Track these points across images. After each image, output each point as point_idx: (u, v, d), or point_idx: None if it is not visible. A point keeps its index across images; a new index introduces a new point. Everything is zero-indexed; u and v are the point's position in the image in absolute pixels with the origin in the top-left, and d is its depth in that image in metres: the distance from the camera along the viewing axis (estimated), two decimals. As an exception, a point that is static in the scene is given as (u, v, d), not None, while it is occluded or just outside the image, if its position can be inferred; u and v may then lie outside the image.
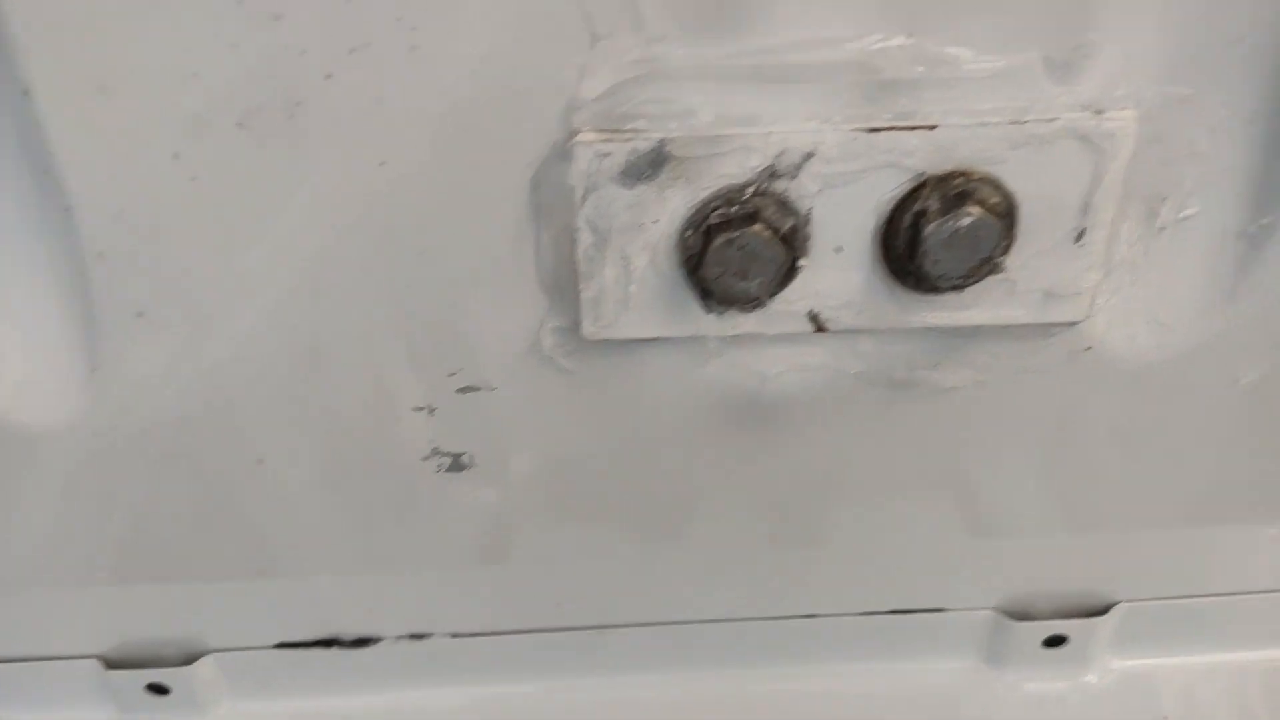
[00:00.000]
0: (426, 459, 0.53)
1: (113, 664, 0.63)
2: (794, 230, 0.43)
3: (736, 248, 0.42)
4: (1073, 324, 0.48)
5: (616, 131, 0.41)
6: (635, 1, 0.39)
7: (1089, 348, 0.49)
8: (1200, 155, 0.45)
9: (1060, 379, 0.50)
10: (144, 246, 0.44)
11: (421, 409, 0.51)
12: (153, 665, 0.63)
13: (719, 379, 0.50)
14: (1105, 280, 0.47)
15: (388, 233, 0.44)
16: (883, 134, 0.41)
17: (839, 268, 0.45)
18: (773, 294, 0.44)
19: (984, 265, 0.43)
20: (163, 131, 0.41)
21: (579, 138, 0.41)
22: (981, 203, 0.42)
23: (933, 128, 0.41)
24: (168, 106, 0.40)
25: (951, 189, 0.42)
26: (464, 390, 0.50)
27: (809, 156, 0.42)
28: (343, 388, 0.50)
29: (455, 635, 0.63)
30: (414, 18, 0.39)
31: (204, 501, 0.54)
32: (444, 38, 0.39)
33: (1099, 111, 0.41)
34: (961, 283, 0.44)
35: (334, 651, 0.63)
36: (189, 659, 0.62)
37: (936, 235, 0.42)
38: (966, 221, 0.42)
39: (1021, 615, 0.64)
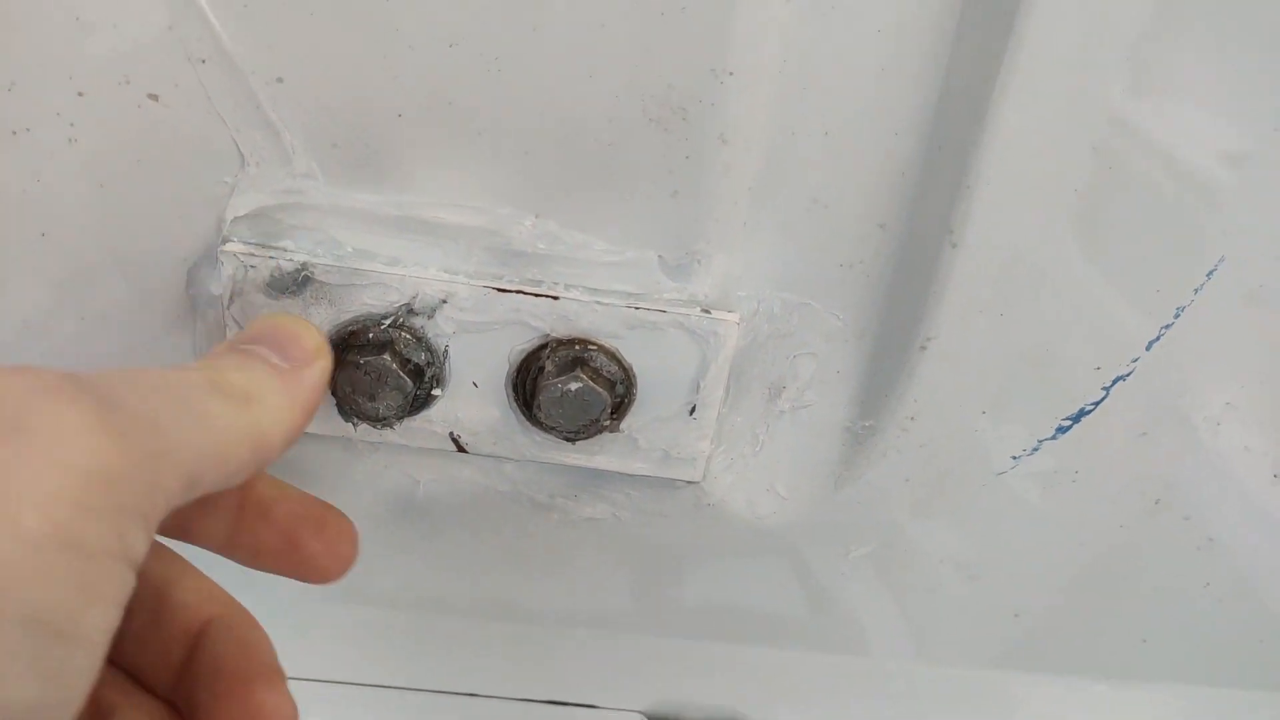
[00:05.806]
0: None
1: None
2: (429, 363, 0.47)
3: (364, 371, 0.45)
4: (692, 482, 0.52)
5: (263, 247, 0.44)
6: (281, 142, 0.41)
7: (711, 504, 0.54)
8: (816, 356, 0.49)
9: (687, 525, 0.55)
10: None
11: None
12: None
13: (374, 476, 0.53)
14: (720, 449, 0.51)
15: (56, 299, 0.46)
16: (511, 295, 0.45)
17: (477, 401, 0.48)
18: (401, 418, 0.47)
19: (593, 425, 0.47)
20: None
21: (227, 246, 0.44)
22: (596, 370, 0.46)
23: (556, 298, 0.45)
24: None
25: (571, 354, 0.46)
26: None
27: (443, 303, 0.45)
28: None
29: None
30: (71, 114, 0.41)
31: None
32: (98, 135, 0.41)
33: (706, 310, 0.46)
34: (572, 436, 0.48)
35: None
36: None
37: (547, 393, 0.46)
38: (574, 386, 0.45)
39: (667, 722, 0.68)
